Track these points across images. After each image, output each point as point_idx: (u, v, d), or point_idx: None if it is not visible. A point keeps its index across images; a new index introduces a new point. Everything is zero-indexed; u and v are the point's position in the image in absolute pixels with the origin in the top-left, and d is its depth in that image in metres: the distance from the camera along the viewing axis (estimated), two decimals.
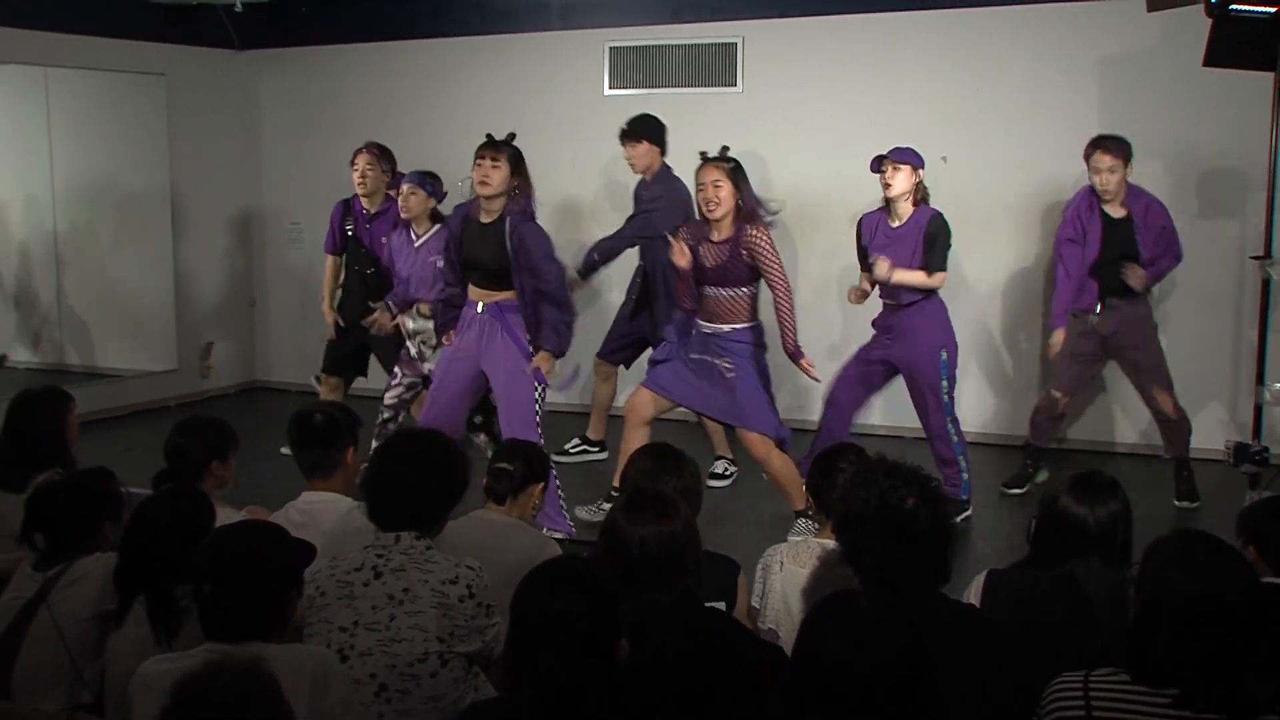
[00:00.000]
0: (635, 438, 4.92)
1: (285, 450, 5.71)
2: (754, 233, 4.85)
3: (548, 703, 2.08)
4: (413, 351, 5.77)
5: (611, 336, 6.33)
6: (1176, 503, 5.49)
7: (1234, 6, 4.72)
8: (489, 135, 4.92)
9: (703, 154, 4.98)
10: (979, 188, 6.62)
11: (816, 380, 5.22)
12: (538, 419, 4.93)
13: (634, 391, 5.14)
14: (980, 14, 6.60)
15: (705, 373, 4.98)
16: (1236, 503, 4.49)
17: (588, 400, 6.67)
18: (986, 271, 6.67)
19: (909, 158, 5.17)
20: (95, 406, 7.20)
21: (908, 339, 5.19)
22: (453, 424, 4.99)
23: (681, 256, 4.92)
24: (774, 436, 4.95)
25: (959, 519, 5.09)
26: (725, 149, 4.97)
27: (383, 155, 6.17)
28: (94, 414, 7.05)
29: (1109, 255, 5.38)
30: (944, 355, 5.18)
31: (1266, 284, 5.13)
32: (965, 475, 5.24)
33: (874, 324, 5.37)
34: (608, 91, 7.39)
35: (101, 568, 2.97)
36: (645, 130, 5.94)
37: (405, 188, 5.73)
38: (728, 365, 4.94)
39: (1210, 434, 6.23)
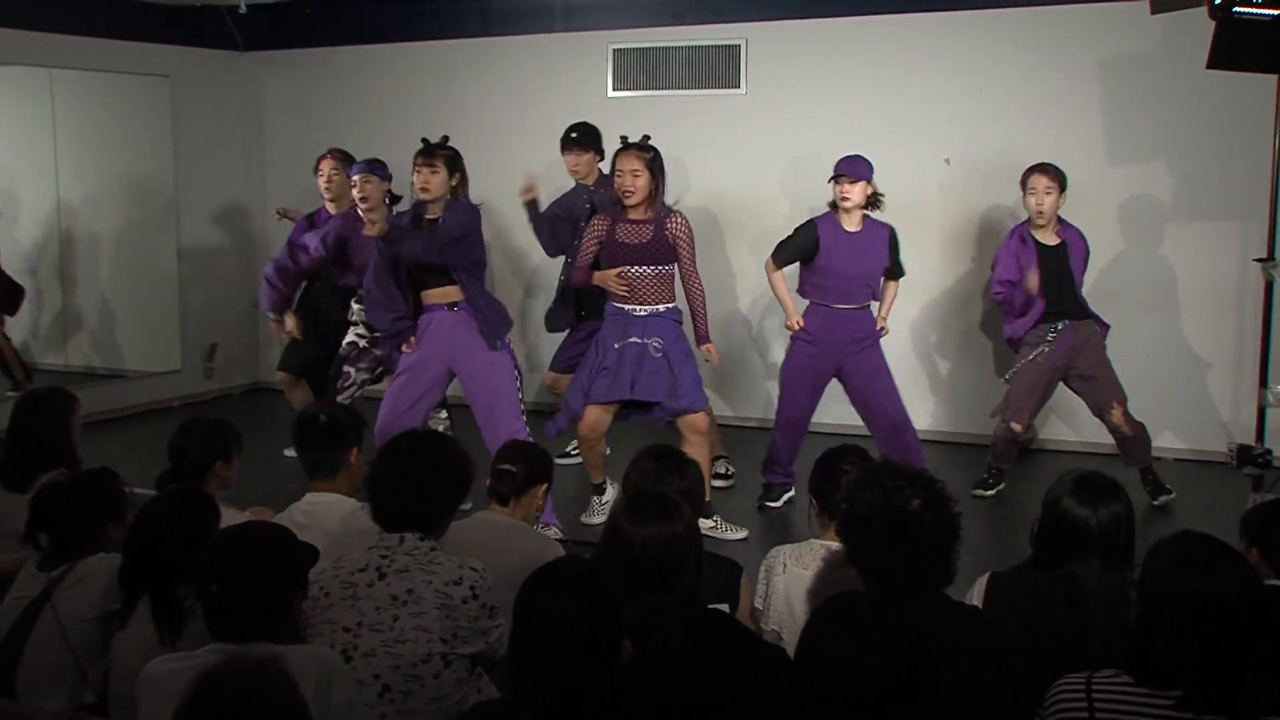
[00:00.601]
0: (599, 452, 5.18)
1: (290, 453, 5.75)
2: (680, 221, 5.02)
3: (550, 704, 2.08)
4: (362, 343, 5.76)
5: (563, 350, 6.18)
6: (1154, 502, 5.51)
7: (1237, 9, 4.71)
8: (424, 140, 5.00)
9: (623, 139, 5.07)
10: (981, 189, 6.63)
11: (716, 367, 5.46)
12: (521, 406, 5.02)
13: (583, 416, 5.05)
14: (983, 16, 6.61)
15: (633, 358, 4.97)
16: (1239, 505, 4.48)
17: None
18: (984, 274, 6.66)
19: (864, 171, 5.28)
20: (99, 407, 7.21)
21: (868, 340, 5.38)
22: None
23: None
24: (701, 408, 5.02)
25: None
26: (646, 137, 5.04)
27: (346, 160, 6.18)
28: (98, 414, 7.07)
29: (1049, 280, 5.50)
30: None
31: (1269, 286, 5.13)
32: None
33: (817, 337, 5.36)
34: (611, 93, 7.39)
35: (105, 568, 2.97)
36: (590, 140, 5.93)
37: (358, 178, 5.72)
38: (656, 344, 4.96)
39: (1213, 436, 6.24)
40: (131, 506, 3.15)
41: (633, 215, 4.99)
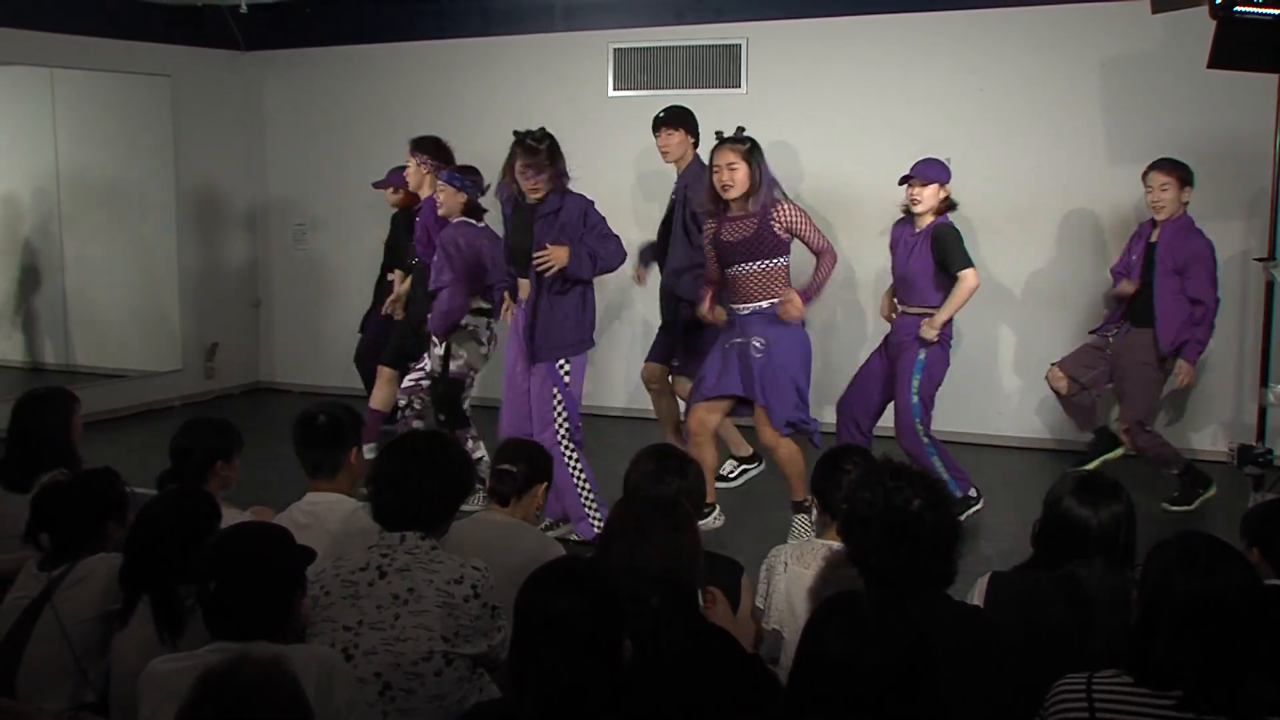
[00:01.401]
0: (706, 452, 4.86)
1: None
2: (786, 209, 4.81)
3: (551, 703, 2.08)
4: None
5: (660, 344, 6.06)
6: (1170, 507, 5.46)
7: (1238, 8, 4.71)
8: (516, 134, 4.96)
9: (719, 134, 4.90)
10: (982, 189, 6.61)
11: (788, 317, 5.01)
12: (554, 417, 4.90)
13: (690, 410, 4.97)
14: (984, 16, 6.60)
15: (736, 355, 4.84)
16: (1240, 505, 4.49)
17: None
18: (989, 273, 6.66)
19: (932, 173, 5.25)
20: (100, 406, 7.22)
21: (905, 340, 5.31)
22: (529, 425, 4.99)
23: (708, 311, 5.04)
24: (781, 429, 4.82)
25: (965, 515, 5.11)
26: (741, 129, 4.88)
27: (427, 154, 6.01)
28: (99, 414, 7.07)
29: (1144, 279, 5.46)
30: (922, 355, 5.23)
31: (1270, 286, 5.13)
32: (945, 476, 5.21)
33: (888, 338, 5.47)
34: (612, 93, 7.40)
35: (106, 567, 2.97)
36: (680, 119, 5.78)
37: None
38: (758, 344, 4.78)
39: (1214, 436, 6.24)
40: (132, 506, 3.15)
41: (735, 211, 4.81)
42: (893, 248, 5.42)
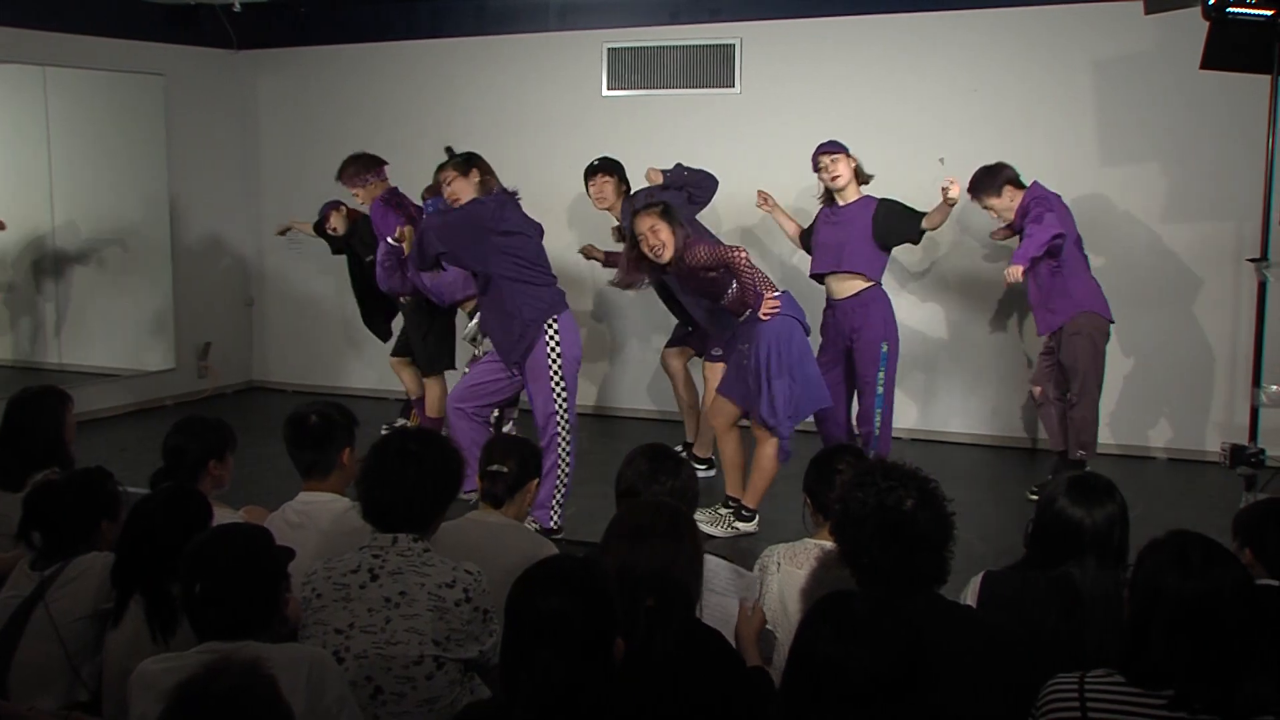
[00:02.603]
0: (729, 442, 5.18)
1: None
2: (691, 253, 4.86)
3: (543, 702, 2.08)
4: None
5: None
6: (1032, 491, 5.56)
7: (1231, 9, 4.72)
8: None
9: (633, 202, 5.19)
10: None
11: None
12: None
13: (713, 400, 5.20)
14: (978, 16, 6.61)
15: (736, 361, 5.08)
16: (1232, 505, 4.49)
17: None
18: (980, 273, 6.68)
19: (838, 147, 5.44)
20: (93, 406, 7.21)
21: (860, 329, 5.45)
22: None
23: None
24: (773, 433, 4.94)
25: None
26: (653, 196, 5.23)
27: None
28: (92, 413, 7.06)
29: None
30: (884, 348, 5.41)
31: (1263, 286, 5.13)
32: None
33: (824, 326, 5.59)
34: (606, 92, 7.40)
35: (99, 566, 2.98)
36: (614, 166, 5.98)
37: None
38: (745, 349, 4.97)
39: (1206, 436, 6.25)
40: (125, 505, 3.15)
41: (673, 270, 5.02)
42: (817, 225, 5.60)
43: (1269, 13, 4.72)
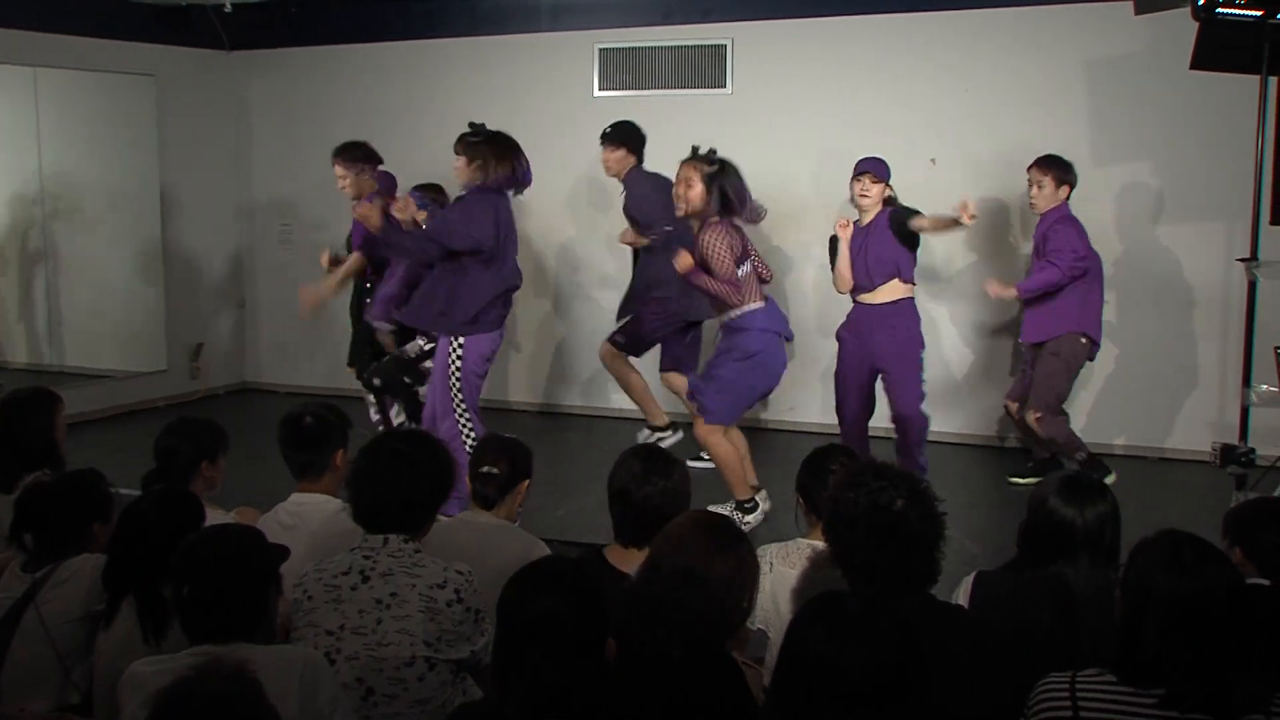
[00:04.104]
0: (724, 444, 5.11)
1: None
2: (707, 236, 4.88)
3: (535, 702, 2.08)
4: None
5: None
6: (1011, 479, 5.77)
7: (1221, 10, 4.73)
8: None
9: (694, 149, 5.04)
10: (966, 189, 6.62)
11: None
12: (451, 401, 5.04)
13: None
14: (968, 16, 6.63)
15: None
16: (1223, 504, 4.50)
17: None
18: (972, 273, 6.70)
19: (884, 173, 5.36)
20: (85, 407, 7.19)
21: (887, 338, 5.34)
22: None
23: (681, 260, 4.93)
24: (708, 419, 4.99)
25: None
26: (713, 151, 4.99)
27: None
28: (84, 414, 7.05)
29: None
30: (922, 354, 5.43)
31: (1253, 286, 5.15)
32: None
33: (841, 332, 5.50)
34: (598, 93, 7.40)
35: (90, 568, 2.97)
36: (622, 136, 6.03)
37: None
38: (720, 348, 5.03)
39: (1197, 435, 6.27)
40: (117, 507, 3.14)
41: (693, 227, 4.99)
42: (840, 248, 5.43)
43: (1258, 13, 4.74)
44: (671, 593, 2.33)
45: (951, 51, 6.66)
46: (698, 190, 4.87)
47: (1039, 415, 5.60)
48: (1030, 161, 5.69)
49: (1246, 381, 5.19)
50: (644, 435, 6.13)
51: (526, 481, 3.48)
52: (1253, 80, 5.05)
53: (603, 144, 6.06)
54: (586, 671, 2.12)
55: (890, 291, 5.32)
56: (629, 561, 2.79)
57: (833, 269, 5.47)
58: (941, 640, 2.33)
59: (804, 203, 6.83)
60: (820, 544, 2.90)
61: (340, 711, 2.46)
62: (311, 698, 2.39)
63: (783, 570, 3.05)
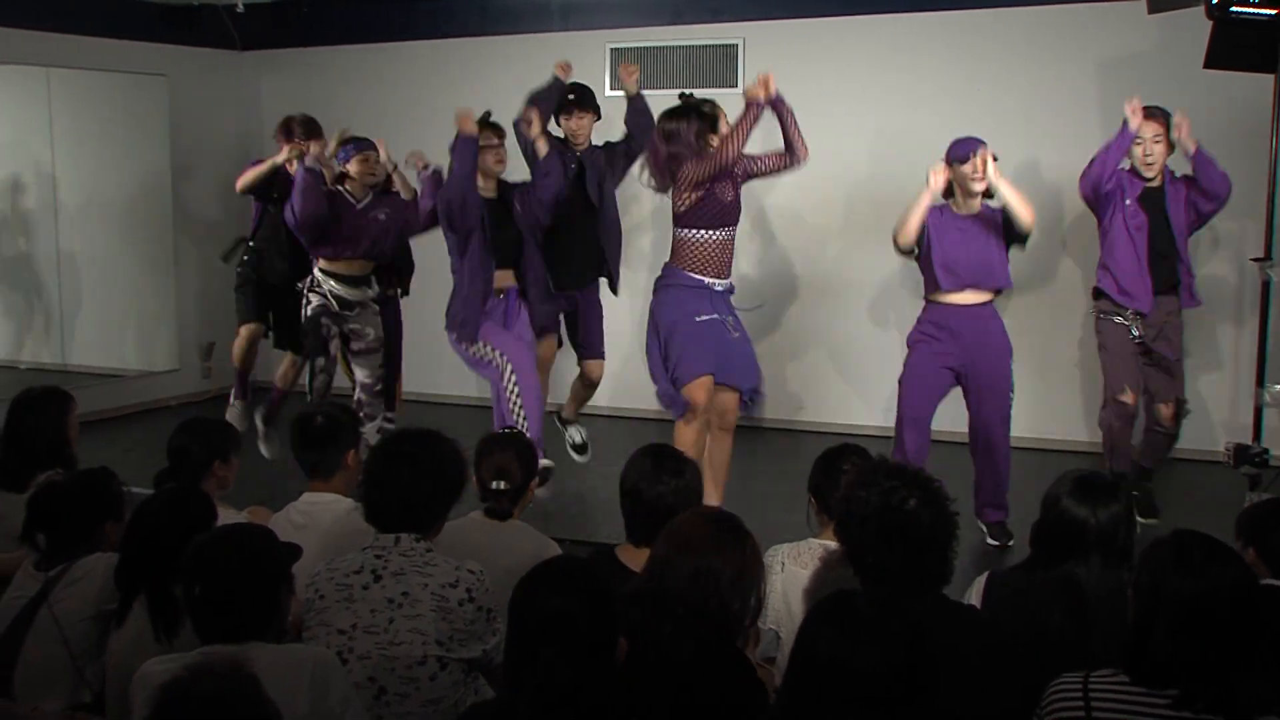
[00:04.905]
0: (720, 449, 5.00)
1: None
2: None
3: (547, 702, 2.08)
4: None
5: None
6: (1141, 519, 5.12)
7: (1234, 9, 4.74)
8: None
9: (683, 95, 5.11)
10: None
11: None
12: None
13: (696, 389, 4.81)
14: (980, 16, 6.62)
15: (719, 335, 4.83)
16: (1236, 504, 4.49)
17: None
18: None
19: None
20: (97, 406, 7.21)
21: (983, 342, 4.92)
22: None
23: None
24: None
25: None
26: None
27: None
28: (96, 414, 7.06)
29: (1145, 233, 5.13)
30: (1012, 364, 5.01)
31: (1266, 285, 5.13)
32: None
33: (926, 327, 5.00)
34: (609, 92, 7.40)
35: (103, 567, 2.98)
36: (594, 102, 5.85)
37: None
38: (733, 321, 4.89)
39: (1210, 435, 6.25)
40: (129, 506, 3.14)
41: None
42: (937, 233, 4.92)
43: (1273, 12, 4.75)
44: (677, 590, 2.35)
45: (962, 51, 6.65)
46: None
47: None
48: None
49: (1260, 382, 5.18)
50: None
51: (535, 481, 3.49)
52: (1267, 79, 5.04)
53: (581, 109, 5.68)
54: (597, 671, 2.12)
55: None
56: (640, 561, 2.78)
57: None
58: (953, 641, 2.33)
59: (814, 201, 6.82)
60: (832, 544, 2.92)
61: (352, 710, 2.47)
62: (323, 697, 2.39)
63: (794, 570, 3.06)
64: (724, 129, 4.84)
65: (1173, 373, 5.28)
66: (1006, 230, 4.91)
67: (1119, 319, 5.16)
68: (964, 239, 4.87)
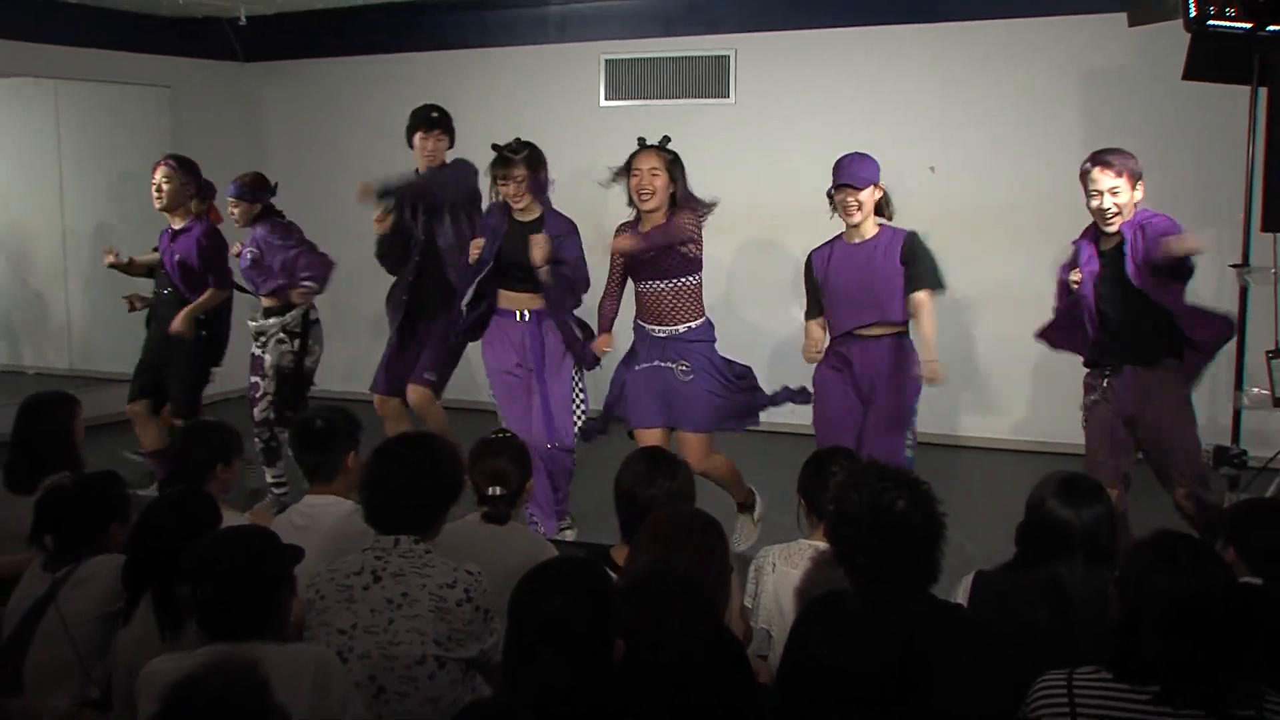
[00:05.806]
0: (717, 464, 4.85)
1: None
2: (685, 217, 4.54)
3: (544, 701, 2.10)
4: (256, 350, 5.89)
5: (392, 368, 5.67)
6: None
7: (1212, 21, 4.77)
8: (495, 147, 4.98)
9: (641, 140, 4.68)
10: (965, 197, 6.69)
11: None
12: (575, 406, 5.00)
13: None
14: (967, 28, 6.68)
15: (657, 383, 4.67)
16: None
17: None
18: (972, 280, 6.73)
19: (871, 175, 4.40)
20: (103, 411, 7.25)
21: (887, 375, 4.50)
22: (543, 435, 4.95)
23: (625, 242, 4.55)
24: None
25: None
26: (666, 139, 4.69)
27: (182, 167, 6.02)
28: (101, 418, 7.10)
29: (1102, 298, 4.25)
30: (915, 403, 4.61)
31: (1244, 291, 5.18)
32: None
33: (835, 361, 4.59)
34: (603, 103, 7.47)
35: (109, 568, 3.00)
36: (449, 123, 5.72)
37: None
38: (684, 368, 4.64)
39: None
40: (135, 508, 3.18)
41: (643, 227, 4.62)
42: (824, 271, 4.54)
43: (1248, 25, 4.79)
44: (649, 587, 2.37)
45: (950, 62, 6.71)
46: (664, 181, 4.58)
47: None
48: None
49: (1239, 385, 5.22)
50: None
51: (530, 481, 3.45)
52: (1243, 90, 5.10)
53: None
54: (595, 671, 2.14)
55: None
56: None
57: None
58: (943, 640, 2.36)
59: (806, 212, 6.87)
60: (822, 545, 2.93)
61: (352, 709, 2.49)
62: (324, 696, 2.42)
63: (786, 570, 3.09)
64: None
65: (1168, 454, 4.28)
66: None
67: (1093, 395, 4.30)
68: (850, 270, 4.46)
